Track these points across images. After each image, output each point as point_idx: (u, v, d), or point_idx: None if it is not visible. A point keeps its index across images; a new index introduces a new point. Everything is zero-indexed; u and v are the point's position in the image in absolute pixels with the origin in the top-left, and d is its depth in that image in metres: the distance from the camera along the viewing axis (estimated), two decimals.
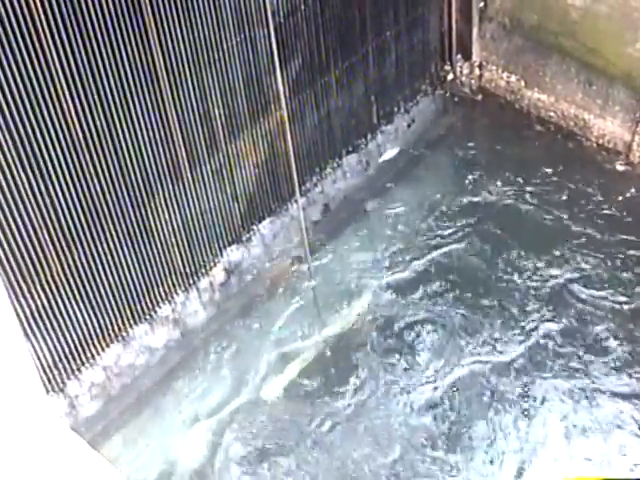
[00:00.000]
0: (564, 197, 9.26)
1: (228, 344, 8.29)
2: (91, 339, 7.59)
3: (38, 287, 7.01)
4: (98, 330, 7.63)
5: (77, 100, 6.64)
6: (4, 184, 6.43)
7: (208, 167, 7.97)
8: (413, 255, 8.75)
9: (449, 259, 8.69)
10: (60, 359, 7.43)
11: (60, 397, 7.48)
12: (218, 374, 8.10)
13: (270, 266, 8.81)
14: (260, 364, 8.14)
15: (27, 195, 6.62)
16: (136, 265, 7.68)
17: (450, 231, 8.94)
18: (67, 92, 6.54)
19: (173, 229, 7.89)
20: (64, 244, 7.04)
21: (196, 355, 8.24)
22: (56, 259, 7.03)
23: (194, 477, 7.44)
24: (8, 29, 6.02)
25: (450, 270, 8.59)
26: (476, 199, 9.30)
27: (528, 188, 9.37)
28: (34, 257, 6.87)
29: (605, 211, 9.08)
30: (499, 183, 9.46)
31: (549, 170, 9.60)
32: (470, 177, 9.60)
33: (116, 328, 7.75)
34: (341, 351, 8.11)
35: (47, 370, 7.34)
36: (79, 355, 7.55)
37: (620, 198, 9.24)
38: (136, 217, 7.50)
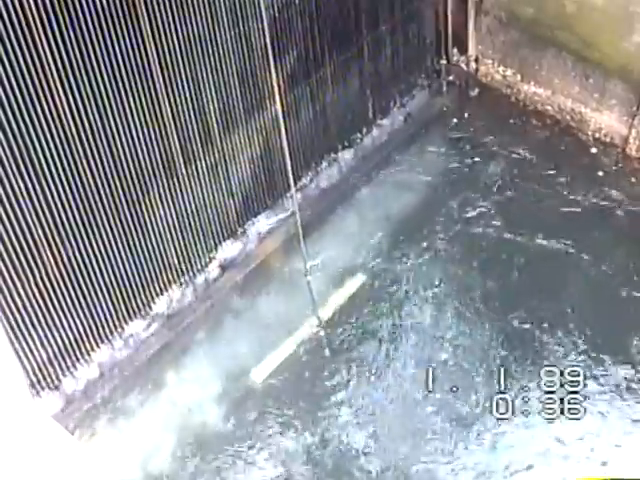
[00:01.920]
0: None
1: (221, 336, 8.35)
2: (86, 336, 7.58)
3: (32, 285, 6.99)
4: (93, 327, 7.61)
5: (70, 96, 6.60)
6: None
7: (203, 163, 7.94)
8: None
9: None
10: (55, 356, 7.41)
11: (55, 394, 7.47)
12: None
13: (265, 261, 8.79)
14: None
15: (21, 192, 6.58)
16: (131, 261, 7.66)
17: None
18: (60, 88, 6.51)
19: (168, 225, 7.86)
20: (58, 241, 7.01)
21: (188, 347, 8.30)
22: (50, 256, 7.00)
23: None
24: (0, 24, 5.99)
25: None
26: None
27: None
28: (28, 254, 6.84)
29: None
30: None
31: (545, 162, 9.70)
32: (465, 162, 9.79)
33: (111, 325, 7.74)
34: None
35: (42, 367, 7.33)
36: (74, 352, 7.53)
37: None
38: (131, 213, 7.47)
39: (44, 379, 7.38)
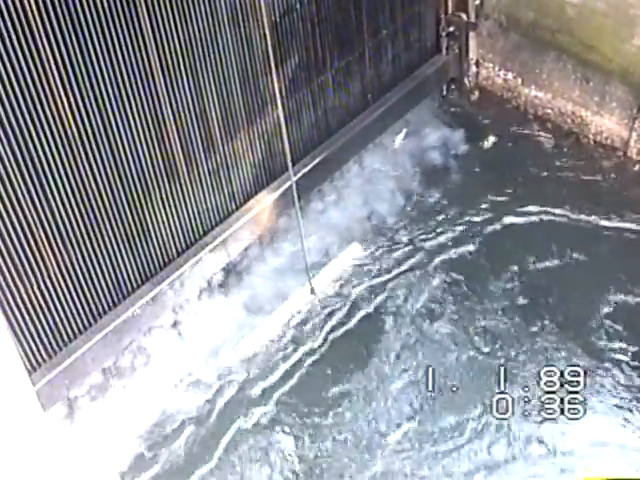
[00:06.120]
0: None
1: None
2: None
3: (35, 288, 7.00)
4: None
5: (72, 99, 6.62)
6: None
7: (205, 167, 7.96)
8: None
9: None
10: (59, 362, 7.40)
11: None
12: None
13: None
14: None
15: (23, 195, 6.60)
16: (133, 265, 7.67)
17: None
18: (62, 91, 6.53)
19: (170, 229, 7.88)
20: (61, 244, 7.03)
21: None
22: (53, 259, 7.02)
23: None
24: (2, 27, 6.00)
25: None
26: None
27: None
28: (31, 257, 6.86)
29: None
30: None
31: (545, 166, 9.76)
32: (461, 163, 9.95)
33: None
34: None
35: (45, 372, 7.32)
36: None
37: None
38: (133, 217, 7.49)
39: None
